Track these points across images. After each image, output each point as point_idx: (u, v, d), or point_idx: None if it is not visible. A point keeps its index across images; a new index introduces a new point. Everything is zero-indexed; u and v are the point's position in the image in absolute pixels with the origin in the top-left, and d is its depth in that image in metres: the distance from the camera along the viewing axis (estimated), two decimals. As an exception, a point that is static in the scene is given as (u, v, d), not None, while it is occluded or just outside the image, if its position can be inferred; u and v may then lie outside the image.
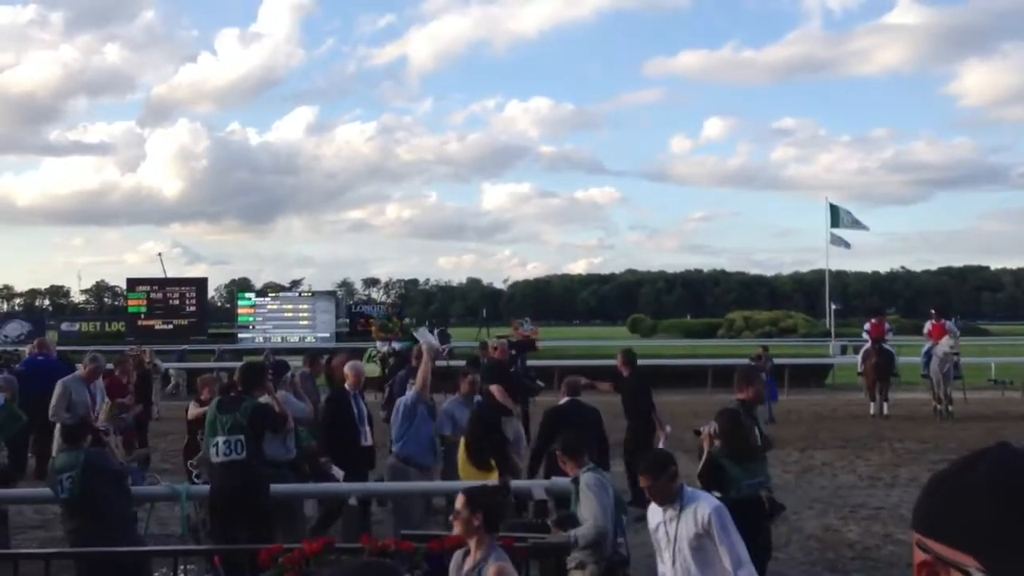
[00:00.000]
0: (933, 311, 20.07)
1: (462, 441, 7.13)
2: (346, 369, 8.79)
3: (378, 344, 17.43)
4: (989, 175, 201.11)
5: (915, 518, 1.18)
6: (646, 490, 4.75)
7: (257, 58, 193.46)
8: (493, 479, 6.62)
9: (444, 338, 17.33)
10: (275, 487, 6.61)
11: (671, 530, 4.68)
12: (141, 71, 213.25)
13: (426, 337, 9.18)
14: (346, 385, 8.64)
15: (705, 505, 4.65)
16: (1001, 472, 1.11)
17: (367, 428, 8.46)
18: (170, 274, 40.30)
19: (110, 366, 10.86)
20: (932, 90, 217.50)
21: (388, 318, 17.94)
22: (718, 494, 5.90)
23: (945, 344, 17.58)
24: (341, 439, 8.07)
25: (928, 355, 17.92)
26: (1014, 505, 1.07)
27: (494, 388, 9.29)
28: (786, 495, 9.19)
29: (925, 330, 19.34)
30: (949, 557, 1.10)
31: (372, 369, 16.48)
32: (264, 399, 6.73)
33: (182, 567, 5.86)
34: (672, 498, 4.69)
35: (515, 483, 6.66)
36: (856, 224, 30.09)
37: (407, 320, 18.54)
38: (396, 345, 17.10)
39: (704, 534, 4.56)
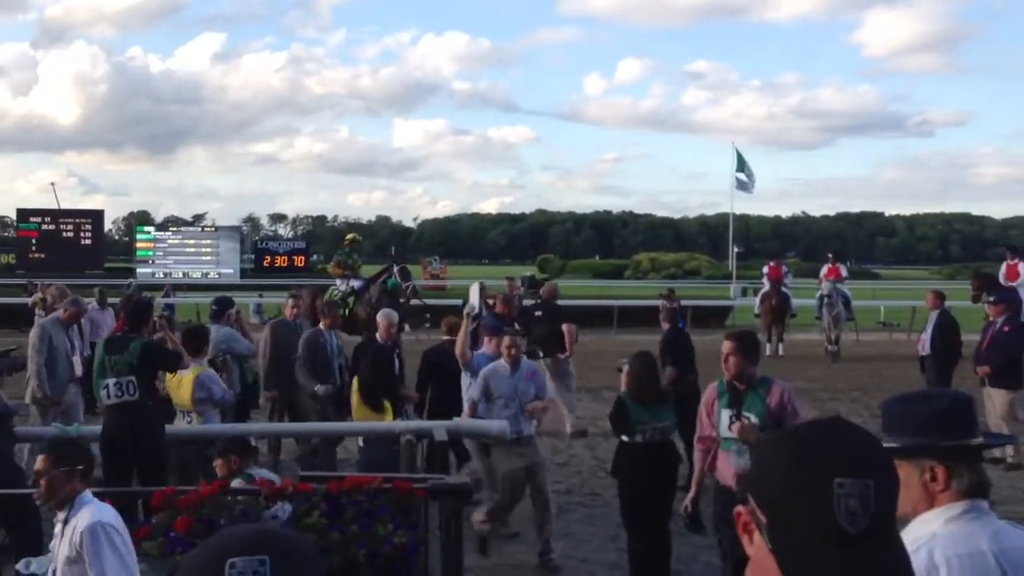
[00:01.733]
0: (830, 255, 20.88)
1: (355, 382, 7.07)
2: (378, 318, 8.26)
3: (337, 282, 16.14)
4: (889, 123, 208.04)
5: (749, 471, 1.31)
6: None
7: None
8: (388, 419, 6.63)
9: (405, 275, 16.35)
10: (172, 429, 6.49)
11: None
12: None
13: (472, 297, 8.47)
14: (377, 335, 8.08)
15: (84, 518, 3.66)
16: (800, 453, 1.23)
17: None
18: (65, 205, 38.76)
19: None
20: (839, 38, 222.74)
21: (348, 254, 16.51)
22: (626, 437, 6.08)
23: (827, 286, 18.42)
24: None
25: (822, 299, 18.66)
26: (800, 484, 1.19)
27: (381, 321, 8.28)
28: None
29: (821, 273, 20.11)
30: (756, 512, 1.23)
31: None
32: (158, 336, 6.56)
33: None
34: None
35: (417, 424, 6.68)
36: (750, 176, 30.74)
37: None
38: (356, 283, 15.90)
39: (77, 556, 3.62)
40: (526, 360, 7.03)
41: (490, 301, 10.33)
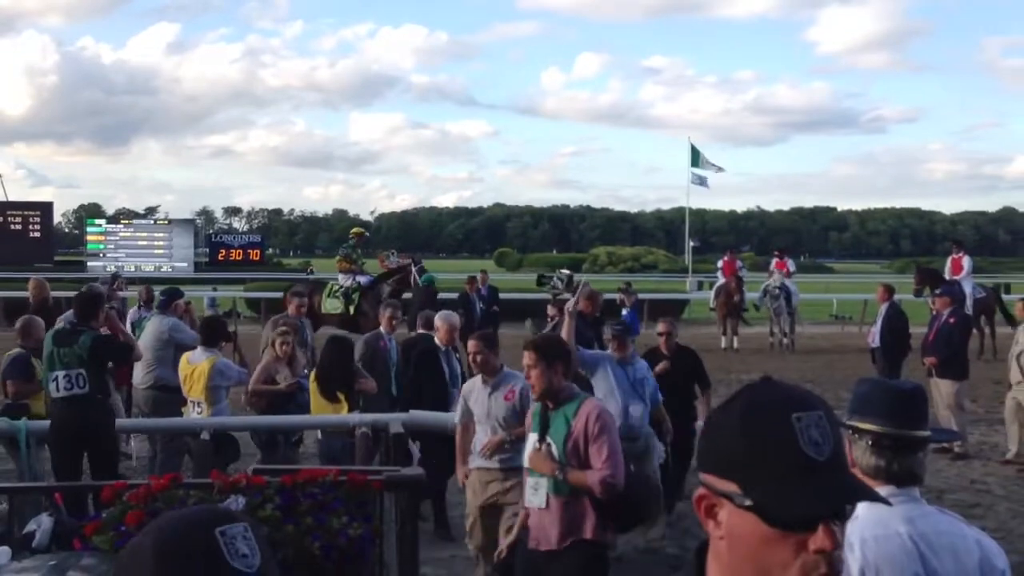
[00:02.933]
0: (776, 252, 21.23)
1: (312, 374, 7.03)
2: (437, 321, 7.50)
3: (340, 277, 15.56)
4: (842, 120, 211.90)
5: (697, 456, 1.30)
6: None
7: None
8: (342, 411, 6.60)
9: (422, 274, 15.78)
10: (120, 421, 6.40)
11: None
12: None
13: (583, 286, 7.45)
14: (436, 340, 7.40)
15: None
16: (749, 404, 1.24)
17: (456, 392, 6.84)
18: (13, 197, 37.90)
19: None
20: (794, 35, 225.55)
21: (353, 248, 15.95)
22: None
23: (774, 280, 18.74)
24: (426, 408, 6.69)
25: (765, 291, 19.00)
26: (759, 430, 1.20)
27: (441, 324, 7.52)
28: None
29: (770, 267, 20.41)
30: (717, 487, 1.23)
31: (334, 305, 15.13)
32: (104, 329, 6.46)
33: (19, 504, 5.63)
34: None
35: (372, 417, 6.66)
36: (713, 167, 31.02)
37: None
38: (362, 279, 15.42)
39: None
40: (511, 374, 5.49)
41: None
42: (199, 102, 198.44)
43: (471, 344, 5.51)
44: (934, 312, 10.48)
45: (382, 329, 8.21)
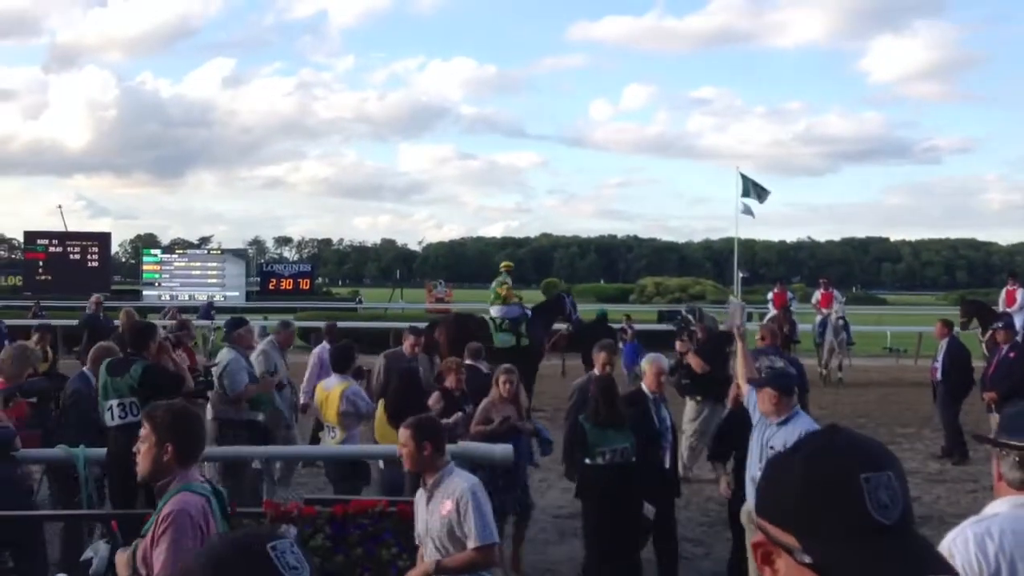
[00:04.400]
0: (822, 281, 20.88)
1: (380, 402, 7.08)
2: (645, 364, 6.77)
3: (495, 310, 14.53)
4: (895, 150, 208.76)
5: (755, 500, 1.24)
6: None
7: (171, 5, 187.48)
8: None
9: (574, 305, 15.30)
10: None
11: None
12: (47, 14, 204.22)
13: (736, 315, 6.86)
14: (642, 385, 6.75)
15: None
16: (815, 456, 1.20)
17: (668, 446, 6.55)
18: (73, 228, 38.90)
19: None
20: (845, 65, 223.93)
21: (506, 278, 14.97)
22: (587, 459, 6.13)
23: (836, 312, 18.40)
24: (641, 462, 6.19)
25: (823, 324, 18.62)
26: (824, 486, 1.16)
27: (649, 368, 6.78)
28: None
29: (814, 300, 20.08)
30: (775, 536, 1.19)
31: (506, 340, 14.02)
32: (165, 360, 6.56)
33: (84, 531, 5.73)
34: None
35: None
36: (761, 193, 30.71)
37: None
38: (516, 312, 14.44)
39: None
40: (457, 475, 4.20)
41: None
42: (253, 134, 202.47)
43: (401, 433, 4.20)
44: (984, 346, 10.25)
45: (596, 371, 7.29)
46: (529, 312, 14.76)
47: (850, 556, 1.12)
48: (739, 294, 35.34)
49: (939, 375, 11.34)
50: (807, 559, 1.14)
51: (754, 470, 5.35)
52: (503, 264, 15.82)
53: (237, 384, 7.87)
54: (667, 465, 6.46)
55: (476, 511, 3.93)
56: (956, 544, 2.34)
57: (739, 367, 6.12)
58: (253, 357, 8.35)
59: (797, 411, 5.40)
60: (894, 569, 1.12)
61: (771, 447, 5.16)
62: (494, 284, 15.03)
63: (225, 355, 8.10)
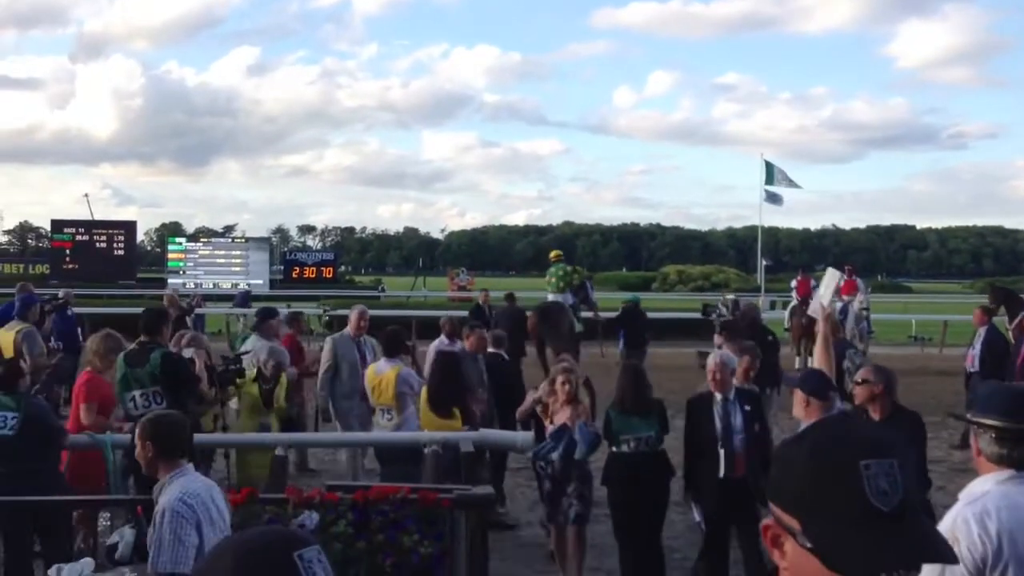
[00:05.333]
0: (847, 268, 20.65)
1: (424, 389, 7.12)
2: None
3: (554, 297, 14.34)
4: (921, 136, 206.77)
5: (768, 484, 1.29)
6: None
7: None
8: (456, 427, 6.62)
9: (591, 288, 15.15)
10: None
11: None
12: (74, 3, 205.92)
13: (826, 289, 5.68)
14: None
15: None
16: (820, 443, 1.23)
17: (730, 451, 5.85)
18: (100, 216, 39.30)
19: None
20: (871, 50, 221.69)
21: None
22: (613, 447, 6.14)
23: (860, 300, 18.21)
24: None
25: (844, 312, 18.44)
26: (826, 473, 1.19)
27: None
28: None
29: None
30: (782, 519, 1.22)
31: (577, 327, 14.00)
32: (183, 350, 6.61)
33: (104, 517, 5.79)
34: None
35: (443, 435, 6.68)
36: (789, 182, 30.54)
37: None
38: (571, 298, 14.40)
39: None
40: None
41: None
42: (277, 123, 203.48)
43: None
44: (1011, 333, 10.12)
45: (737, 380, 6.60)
46: (572, 300, 14.67)
47: (846, 541, 1.15)
48: (763, 282, 35.10)
49: (976, 364, 11.08)
50: (808, 543, 1.18)
51: None
52: (555, 253, 15.64)
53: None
54: (720, 474, 5.73)
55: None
56: (958, 526, 2.48)
57: (817, 354, 5.17)
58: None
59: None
60: (889, 555, 1.14)
61: None
62: (560, 271, 14.82)
63: (254, 343, 8.16)
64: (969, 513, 2.49)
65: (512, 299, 15.94)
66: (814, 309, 4.83)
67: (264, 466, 6.96)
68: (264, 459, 7.01)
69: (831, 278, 5.25)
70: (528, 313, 13.97)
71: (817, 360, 5.12)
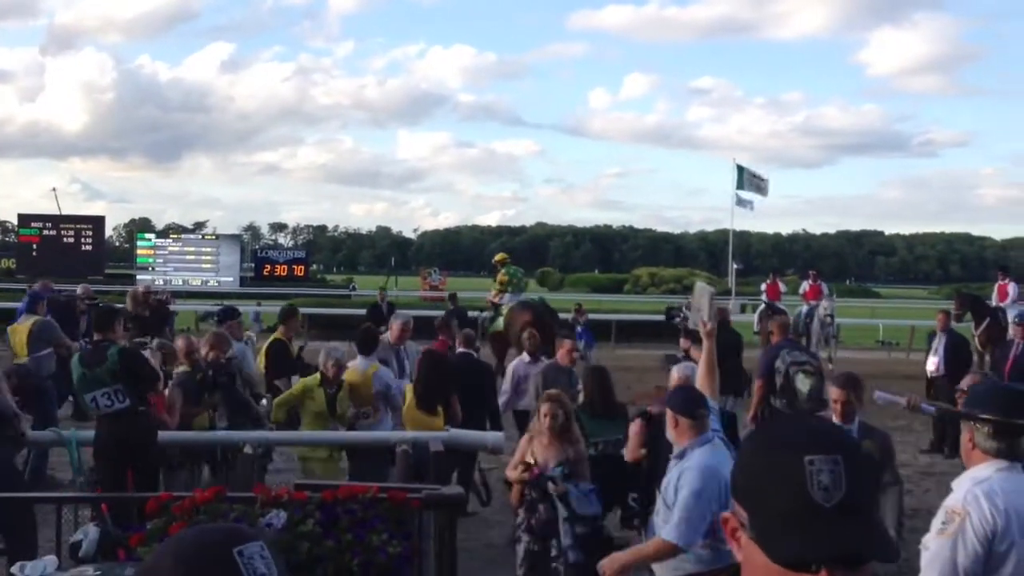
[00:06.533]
0: (811, 273, 20.87)
1: (409, 387, 7.09)
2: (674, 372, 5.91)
3: (499, 296, 14.70)
4: (892, 143, 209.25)
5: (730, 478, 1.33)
6: None
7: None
8: (439, 425, 6.62)
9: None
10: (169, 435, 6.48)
11: None
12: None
13: (702, 302, 4.81)
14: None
15: None
16: (768, 439, 1.27)
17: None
18: (68, 211, 38.79)
19: None
20: (845, 57, 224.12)
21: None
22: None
23: (825, 306, 18.38)
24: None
25: (809, 315, 18.61)
26: (771, 466, 1.22)
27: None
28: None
29: (801, 291, 20.09)
30: (738, 512, 1.26)
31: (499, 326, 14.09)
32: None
33: (68, 514, 5.73)
34: None
35: (413, 435, 6.67)
36: (758, 188, 30.71)
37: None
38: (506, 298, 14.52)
39: None
40: None
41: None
42: (250, 120, 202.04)
43: None
44: (976, 339, 10.29)
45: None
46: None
47: (782, 532, 1.17)
48: (734, 285, 35.32)
49: (941, 368, 11.12)
50: (752, 533, 1.21)
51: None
52: (501, 256, 15.81)
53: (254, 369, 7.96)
54: None
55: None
56: (968, 501, 2.76)
57: (700, 372, 4.63)
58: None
59: (704, 438, 4.08)
60: (824, 547, 1.16)
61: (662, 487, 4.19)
62: (519, 272, 15.23)
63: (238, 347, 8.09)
64: (979, 491, 2.76)
65: (455, 299, 16.07)
66: (694, 323, 4.47)
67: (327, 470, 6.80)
68: (331, 467, 6.88)
69: (702, 293, 4.80)
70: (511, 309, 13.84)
71: (699, 379, 4.60)
